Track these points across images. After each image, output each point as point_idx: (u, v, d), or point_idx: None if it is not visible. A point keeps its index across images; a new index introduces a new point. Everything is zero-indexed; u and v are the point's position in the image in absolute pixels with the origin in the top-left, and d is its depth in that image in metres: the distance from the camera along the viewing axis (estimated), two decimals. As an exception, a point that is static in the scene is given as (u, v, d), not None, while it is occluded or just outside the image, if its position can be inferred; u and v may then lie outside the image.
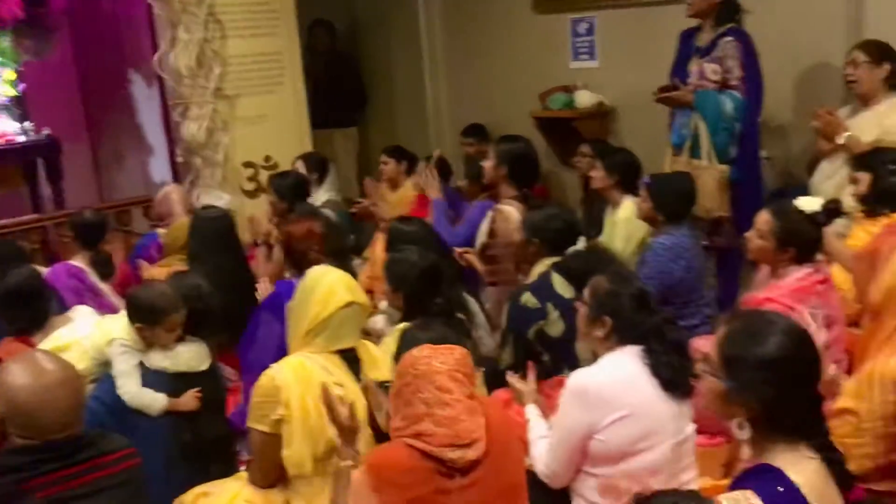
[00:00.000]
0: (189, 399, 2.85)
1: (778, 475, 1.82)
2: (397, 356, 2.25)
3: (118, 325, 2.93)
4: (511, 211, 4.13)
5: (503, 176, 4.31)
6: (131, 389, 2.80)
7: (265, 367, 2.68)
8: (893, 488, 2.23)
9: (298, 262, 3.48)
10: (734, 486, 1.85)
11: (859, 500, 1.93)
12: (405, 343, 2.25)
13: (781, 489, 1.79)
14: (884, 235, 2.35)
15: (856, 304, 3.92)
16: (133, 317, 2.88)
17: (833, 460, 1.87)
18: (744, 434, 1.89)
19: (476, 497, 2.14)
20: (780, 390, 1.84)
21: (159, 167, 6.68)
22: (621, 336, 2.67)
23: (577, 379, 2.67)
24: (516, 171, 4.30)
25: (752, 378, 1.86)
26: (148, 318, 2.85)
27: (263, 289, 3.74)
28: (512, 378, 3.07)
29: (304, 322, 2.68)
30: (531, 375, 3.05)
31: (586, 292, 2.76)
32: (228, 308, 3.34)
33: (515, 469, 2.30)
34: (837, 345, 3.17)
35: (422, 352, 2.18)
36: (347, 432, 2.35)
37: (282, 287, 3.43)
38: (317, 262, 3.06)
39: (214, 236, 4.01)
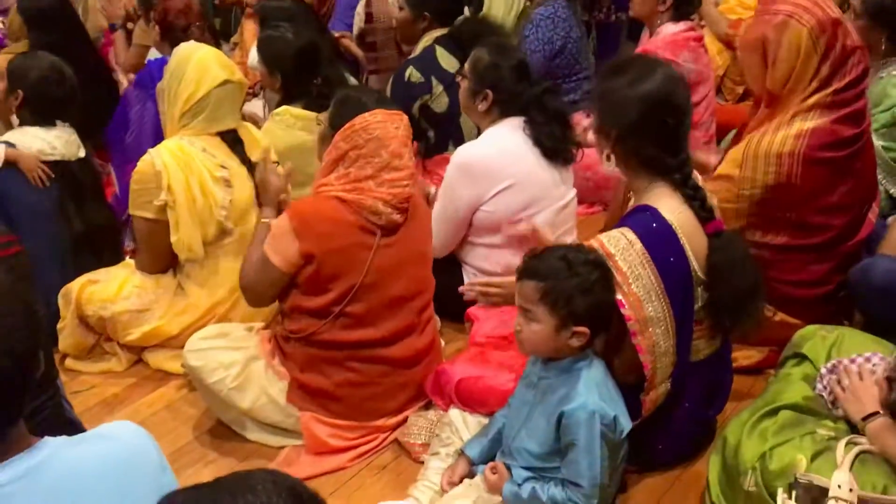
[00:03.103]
0: (28, 159, 2.67)
1: (653, 213, 1.97)
2: (335, 120, 2.19)
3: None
4: (387, -9, 4.01)
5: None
6: None
7: (143, 152, 2.60)
8: (755, 237, 2.47)
9: (179, 41, 3.27)
10: (618, 226, 1.97)
11: (717, 232, 2.03)
12: (346, 107, 2.18)
13: (655, 225, 1.95)
14: (761, 20, 2.41)
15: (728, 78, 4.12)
16: None
17: (693, 197, 2.00)
18: (611, 164, 2.02)
19: (391, 258, 2.21)
20: (640, 115, 1.95)
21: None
22: (503, 108, 2.72)
23: (461, 154, 2.74)
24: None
25: (609, 104, 1.99)
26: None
27: (124, 80, 3.55)
28: None
29: (179, 103, 2.58)
30: (413, 148, 3.08)
31: (467, 66, 2.77)
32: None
33: (425, 238, 2.39)
34: (706, 105, 3.35)
35: (375, 116, 2.15)
36: (273, 195, 2.37)
37: (154, 64, 3.25)
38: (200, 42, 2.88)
39: (41, 15, 3.72)
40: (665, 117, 1.98)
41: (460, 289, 2.31)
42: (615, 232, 1.95)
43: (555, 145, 2.70)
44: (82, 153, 2.85)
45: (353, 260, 2.18)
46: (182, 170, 2.52)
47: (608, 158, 2.03)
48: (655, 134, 1.98)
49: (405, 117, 2.23)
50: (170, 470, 1.27)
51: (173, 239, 2.56)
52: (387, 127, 2.16)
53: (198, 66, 2.56)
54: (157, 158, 2.53)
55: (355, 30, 4.25)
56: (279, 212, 2.34)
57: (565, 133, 2.73)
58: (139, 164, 2.57)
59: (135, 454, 1.22)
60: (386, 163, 2.15)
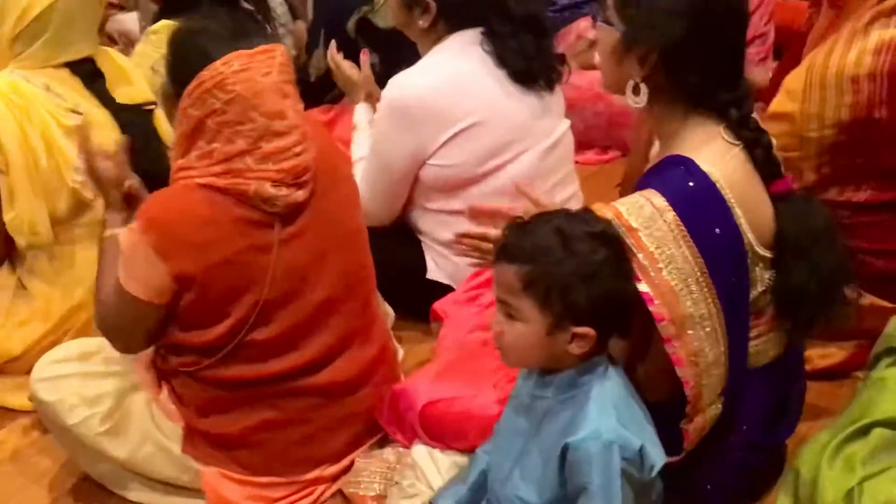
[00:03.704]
0: None
1: (689, 167, 1.93)
2: (175, 72, 2.11)
3: None
4: None
5: None
6: None
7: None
8: (829, 195, 2.46)
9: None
10: (640, 187, 1.96)
11: (786, 193, 2.06)
12: (186, 50, 2.10)
13: (692, 184, 1.92)
14: None
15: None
16: None
17: (757, 142, 2.01)
18: (640, 100, 2.00)
19: (304, 253, 2.18)
20: (689, 27, 1.93)
21: None
22: (451, 20, 2.72)
23: (394, 88, 2.73)
24: None
25: (650, 11, 1.96)
26: None
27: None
28: (338, 58, 3.06)
29: (9, 23, 2.53)
30: (364, 61, 3.06)
31: None
32: None
33: (351, 211, 2.36)
34: (764, 9, 3.35)
35: (231, 66, 2.05)
36: (114, 191, 2.29)
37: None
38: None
39: None
40: (723, 29, 1.97)
41: (454, 235, 2.25)
42: (637, 196, 1.91)
43: (527, 65, 2.70)
44: None
45: (249, 270, 2.13)
46: (16, 118, 2.49)
47: (636, 91, 2.01)
48: (710, 54, 1.96)
49: (279, 50, 2.14)
50: None
51: (7, 217, 2.52)
52: (251, 77, 2.06)
53: None
54: (-27, 104, 2.48)
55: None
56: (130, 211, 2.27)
57: (541, 45, 2.73)
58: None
59: None
60: (263, 129, 2.08)
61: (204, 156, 2.09)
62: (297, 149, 2.13)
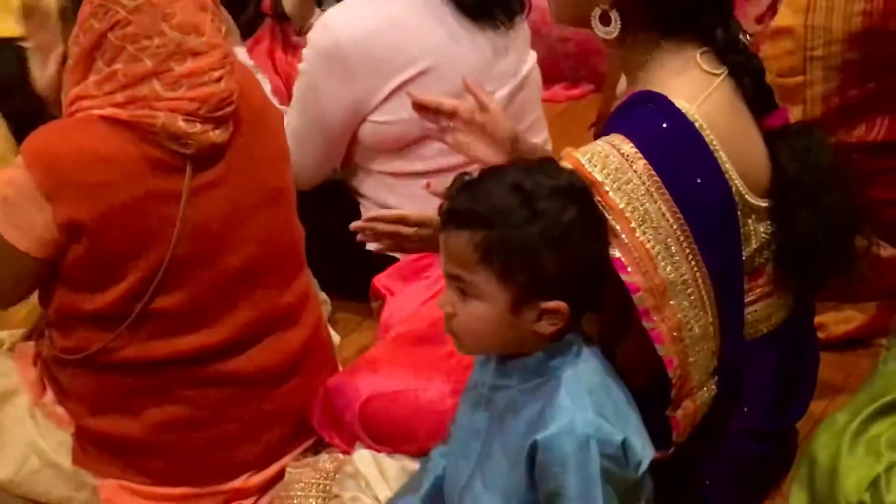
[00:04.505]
0: None
1: (662, 105, 1.93)
2: None
3: None
4: None
5: None
6: None
7: None
8: (838, 136, 2.47)
9: None
10: (603, 133, 1.96)
11: (783, 128, 2.06)
12: None
13: (665, 125, 1.91)
14: None
15: None
16: None
17: (746, 67, 2.01)
18: (611, 30, 1.99)
19: (218, 206, 2.21)
20: None
21: None
22: None
23: (324, 32, 2.76)
24: None
25: None
26: None
27: None
28: None
29: None
30: None
31: None
32: None
33: (279, 167, 2.38)
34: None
35: None
36: None
37: None
38: None
39: None
40: None
41: (353, 225, 2.29)
42: (601, 144, 1.91)
43: None
44: None
45: (150, 222, 2.15)
46: None
47: (604, 21, 1.99)
48: None
49: None
50: None
51: None
52: None
53: None
54: None
55: None
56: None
57: None
58: None
59: None
60: (175, 45, 2.10)
61: (104, 80, 2.12)
62: (216, 73, 2.15)
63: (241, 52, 2.99)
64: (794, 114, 2.33)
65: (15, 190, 2.11)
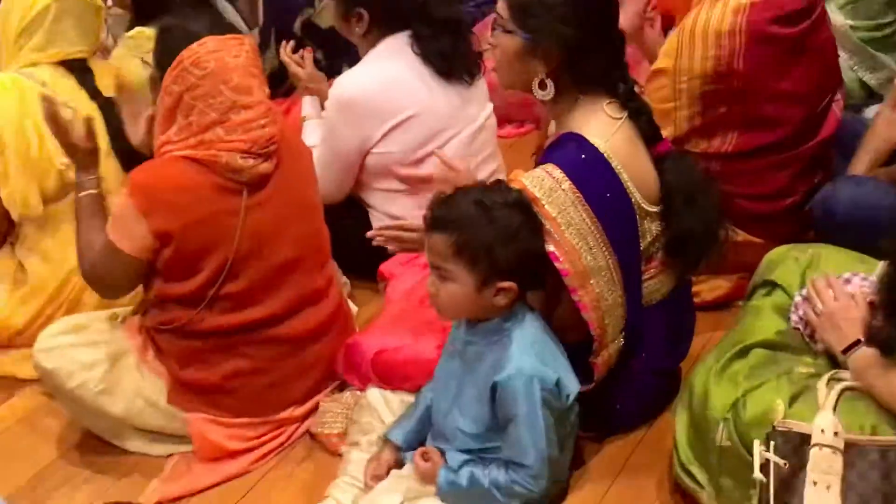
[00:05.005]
0: None
1: (580, 142, 1.94)
2: (161, 58, 2.12)
3: None
4: None
5: None
6: None
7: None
8: (701, 147, 2.48)
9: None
10: (540, 162, 1.97)
11: (667, 153, 2.08)
12: (170, 39, 2.10)
13: (584, 156, 1.93)
14: None
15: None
16: None
17: (639, 111, 2.02)
18: (548, 93, 2.00)
19: (267, 218, 2.17)
20: (581, 30, 1.94)
21: None
22: (382, 27, 2.69)
23: (341, 88, 2.70)
24: None
25: (550, 21, 1.95)
26: None
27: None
28: (287, 57, 3.01)
29: (13, 22, 2.50)
30: (308, 58, 3.02)
31: None
32: None
33: (309, 187, 2.35)
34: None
35: (205, 46, 2.07)
36: (83, 155, 2.24)
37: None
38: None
39: None
40: (609, 20, 1.98)
41: (368, 234, 2.31)
42: (538, 171, 1.92)
43: (446, 63, 2.68)
44: None
45: (219, 230, 2.13)
46: (15, 108, 2.46)
47: (542, 86, 2.00)
48: (602, 44, 1.97)
49: (247, 40, 2.16)
50: None
51: (3, 193, 2.49)
52: (222, 57, 2.08)
53: None
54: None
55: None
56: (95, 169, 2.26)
57: (457, 45, 2.70)
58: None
59: None
60: (231, 102, 2.08)
61: (182, 129, 2.10)
62: (263, 121, 2.13)
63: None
64: (668, 132, 2.32)
65: (122, 212, 2.11)
